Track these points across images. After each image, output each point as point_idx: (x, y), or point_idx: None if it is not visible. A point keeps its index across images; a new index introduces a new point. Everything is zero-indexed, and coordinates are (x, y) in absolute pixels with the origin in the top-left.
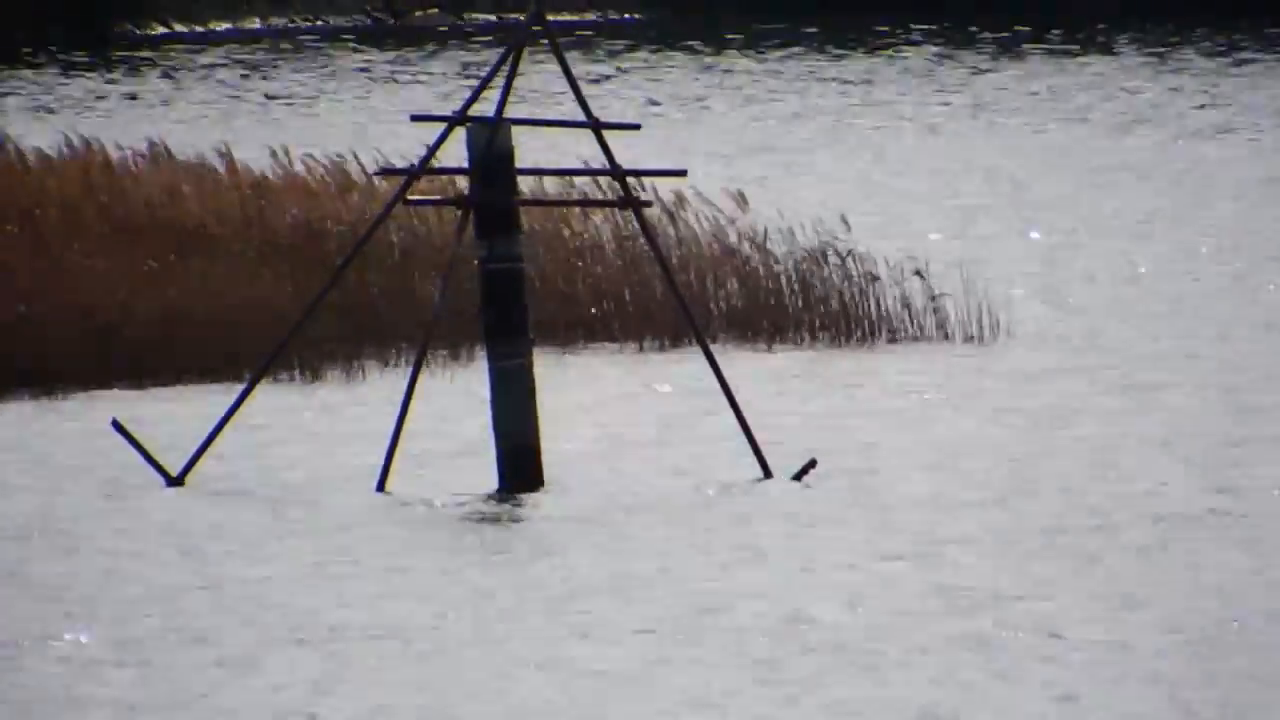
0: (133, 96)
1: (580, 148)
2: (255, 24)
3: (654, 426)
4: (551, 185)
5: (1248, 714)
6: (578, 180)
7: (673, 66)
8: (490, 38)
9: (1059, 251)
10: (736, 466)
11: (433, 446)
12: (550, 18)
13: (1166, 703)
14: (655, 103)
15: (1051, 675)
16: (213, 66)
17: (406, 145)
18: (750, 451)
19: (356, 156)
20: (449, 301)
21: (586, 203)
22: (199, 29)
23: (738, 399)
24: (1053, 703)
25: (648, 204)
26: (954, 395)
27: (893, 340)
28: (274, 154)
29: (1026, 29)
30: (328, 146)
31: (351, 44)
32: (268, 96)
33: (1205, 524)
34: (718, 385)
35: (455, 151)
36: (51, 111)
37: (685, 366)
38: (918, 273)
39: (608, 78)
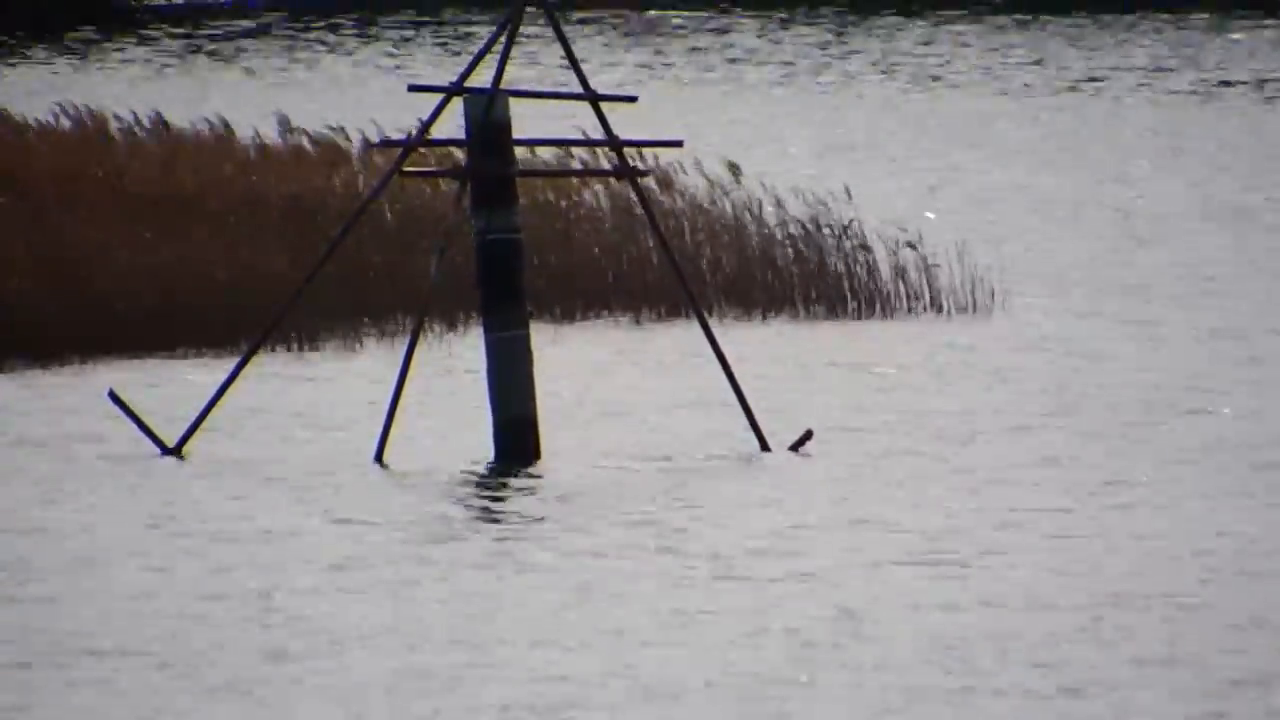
0: (130, 68)
1: (578, 119)
2: None
3: (651, 398)
4: (549, 156)
5: None
6: (574, 151)
7: (671, 37)
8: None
9: (1053, 221)
10: (733, 438)
11: (430, 418)
12: None
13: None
14: (649, 67)
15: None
16: (210, 38)
17: (404, 117)
18: (747, 423)
19: (343, 129)
20: (446, 273)
21: (584, 173)
22: (196, 1)
23: (734, 370)
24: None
25: (644, 174)
26: (947, 366)
27: (887, 311)
28: (283, 123)
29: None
30: (324, 118)
31: (350, 15)
32: (275, 67)
33: (1198, 484)
34: (714, 357)
35: (453, 124)
36: (47, 75)
37: (682, 338)
38: (910, 245)
39: (605, 45)
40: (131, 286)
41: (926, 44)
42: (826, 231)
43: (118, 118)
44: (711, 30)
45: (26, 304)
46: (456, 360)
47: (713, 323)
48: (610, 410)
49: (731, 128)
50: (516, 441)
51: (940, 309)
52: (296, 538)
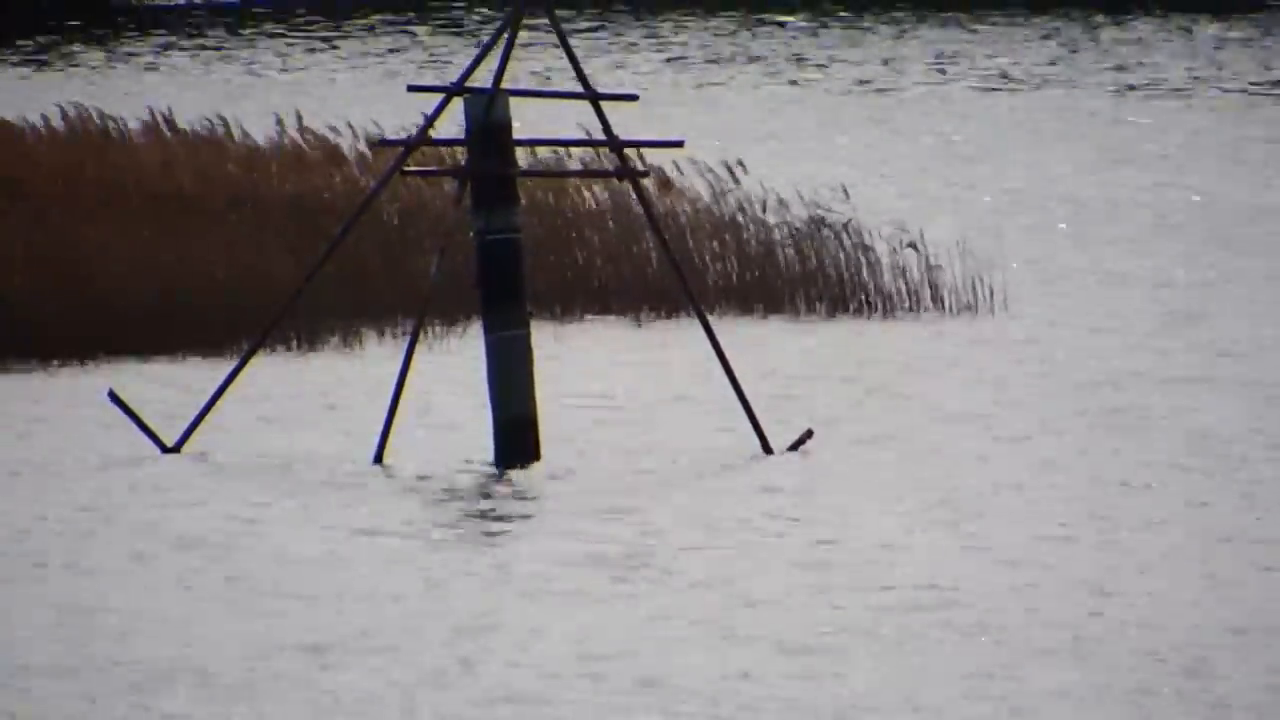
0: (130, 66)
1: (577, 119)
2: None
3: (651, 398)
4: (549, 156)
5: None
6: (575, 151)
7: (669, 36)
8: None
9: (1053, 222)
10: (733, 438)
11: (430, 418)
12: None
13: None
14: (649, 73)
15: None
16: (211, 35)
17: (405, 116)
18: (748, 423)
19: (345, 128)
20: (446, 273)
21: (584, 173)
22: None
23: (734, 370)
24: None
25: (645, 174)
26: (949, 365)
27: (888, 311)
28: (280, 121)
29: None
30: (325, 117)
31: (350, 13)
32: (275, 67)
33: (1201, 480)
34: (715, 357)
35: (454, 123)
36: (46, 74)
37: (682, 338)
38: (912, 245)
39: (609, 40)
40: (131, 286)
41: (926, 42)
42: (827, 231)
43: (118, 118)
44: (712, 29)
45: (26, 304)
46: (456, 360)
47: (713, 322)
48: (610, 410)
49: (732, 127)
50: (516, 441)
51: (942, 308)
52: (296, 538)
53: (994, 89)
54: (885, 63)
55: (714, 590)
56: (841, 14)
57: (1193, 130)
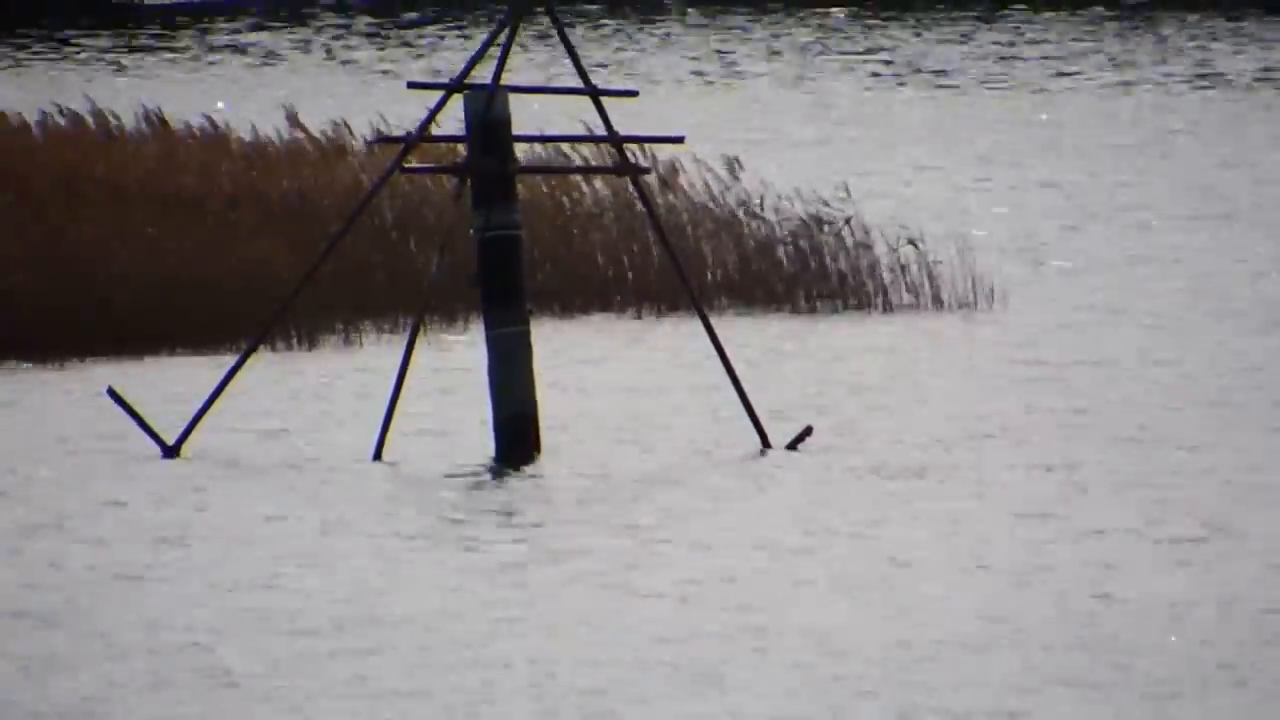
0: (129, 64)
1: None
2: None
3: (652, 395)
4: (550, 152)
5: None
6: (576, 147)
7: (672, 34)
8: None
9: (1054, 219)
10: (734, 434)
11: (430, 415)
12: None
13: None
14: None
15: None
16: (212, 34)
17: (405, 112)
18: (747, 419)
19: (345, 125)
20: (446, 270)
21: (584, 170)
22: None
23: (734, 366)
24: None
25: (645, 171)
26: (948, 362)
27: (888, 308)
28: (288, 116)
29: None
30: (325, 114)
31: (350, 12)
32: (274, 65)
33: (1184, 476)
34: (715, 353)
35: (454, 120)
36: (47, 73)
37: (683, 334)
38: (912, 241)
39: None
40: (131, 284)
41: (928, 40)
42: (827, 228)
43: (117, 115)
44: (712, 26)
45: (26, 303)
46: (456, 357)
47: (713, 319)
48: (611, 406)
49: (732, 124)
50: (517, 438)
51: (941, 305)
52: (295, 536)
53: (997, 87)
54: (887, 59)
55: (713, 587)
56: (845, 8)
57: (1194, 122)
